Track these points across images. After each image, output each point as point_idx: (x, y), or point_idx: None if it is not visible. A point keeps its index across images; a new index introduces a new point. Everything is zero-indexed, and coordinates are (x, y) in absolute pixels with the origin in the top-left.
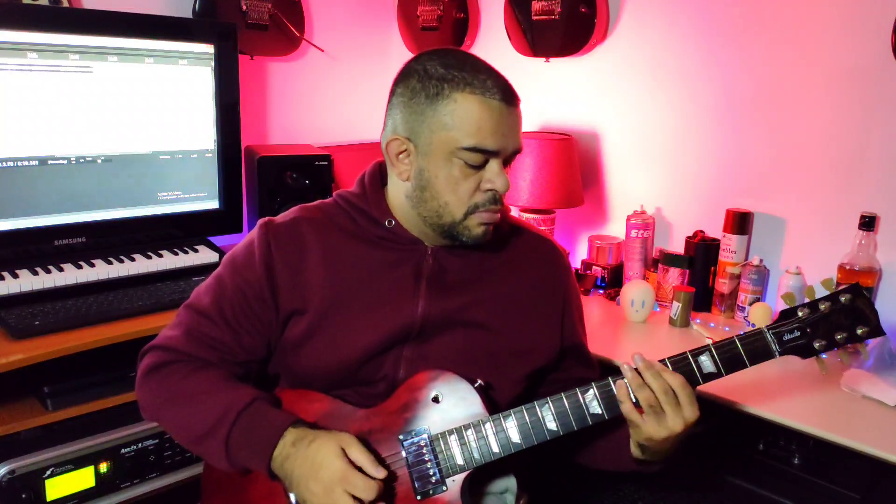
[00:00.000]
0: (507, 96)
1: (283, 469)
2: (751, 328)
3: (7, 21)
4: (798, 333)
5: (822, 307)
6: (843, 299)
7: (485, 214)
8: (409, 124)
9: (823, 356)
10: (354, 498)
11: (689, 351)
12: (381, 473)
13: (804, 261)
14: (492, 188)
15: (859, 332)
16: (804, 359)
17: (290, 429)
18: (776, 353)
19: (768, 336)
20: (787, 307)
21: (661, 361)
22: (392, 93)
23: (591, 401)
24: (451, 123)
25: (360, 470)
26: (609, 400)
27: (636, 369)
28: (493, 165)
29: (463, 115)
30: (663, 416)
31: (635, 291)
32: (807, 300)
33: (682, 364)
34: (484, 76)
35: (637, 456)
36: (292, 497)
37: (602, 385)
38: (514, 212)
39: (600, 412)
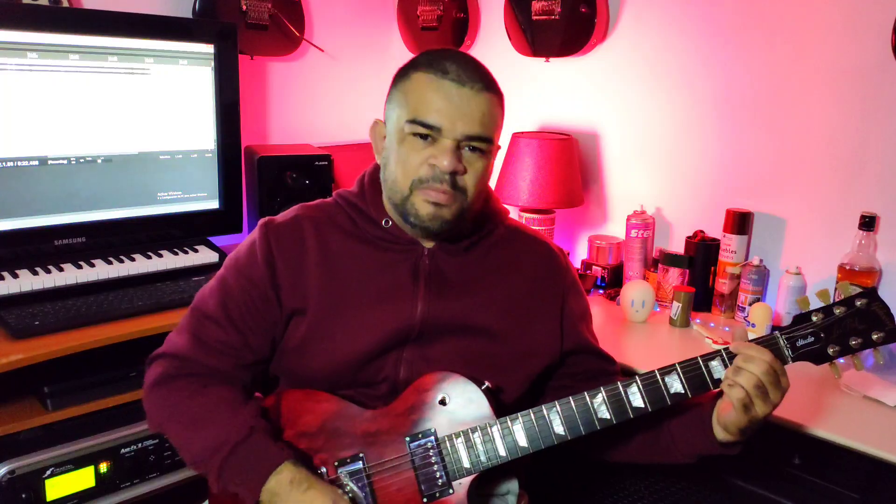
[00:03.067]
0: (465, 79)
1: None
2: (765, 334)
3: (7, 21)
4: (812, 339)
5: (836, 311)
6: (858, 303)
7: (430, 192)
8: (385, 108)
9: (840, 361)
10: None
11: (701, 356)
12: None
13: (804, 261)
14: (434, 163)
15: (875, 337)
16: (817, 365)
17: (287, 464)
18: (789, 359)
19: (781, 341)
20: (801, 311)
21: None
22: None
23: (600, 405)
24: (404, 101)
25: None
26: (618, 404)
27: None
28: (443, 143)
29: (413, 90)
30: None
31: (635, 291)
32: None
33: (693, 369)
34: (450, 62)
35: (724, 439)
36: None
37: (611, 389)
38: (514, 212)
39: (608, 417)
